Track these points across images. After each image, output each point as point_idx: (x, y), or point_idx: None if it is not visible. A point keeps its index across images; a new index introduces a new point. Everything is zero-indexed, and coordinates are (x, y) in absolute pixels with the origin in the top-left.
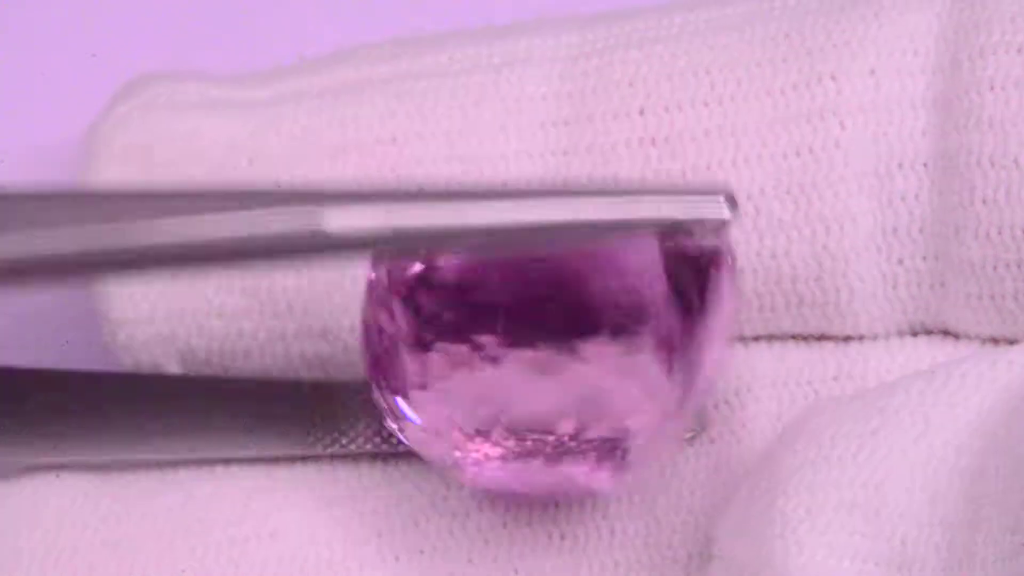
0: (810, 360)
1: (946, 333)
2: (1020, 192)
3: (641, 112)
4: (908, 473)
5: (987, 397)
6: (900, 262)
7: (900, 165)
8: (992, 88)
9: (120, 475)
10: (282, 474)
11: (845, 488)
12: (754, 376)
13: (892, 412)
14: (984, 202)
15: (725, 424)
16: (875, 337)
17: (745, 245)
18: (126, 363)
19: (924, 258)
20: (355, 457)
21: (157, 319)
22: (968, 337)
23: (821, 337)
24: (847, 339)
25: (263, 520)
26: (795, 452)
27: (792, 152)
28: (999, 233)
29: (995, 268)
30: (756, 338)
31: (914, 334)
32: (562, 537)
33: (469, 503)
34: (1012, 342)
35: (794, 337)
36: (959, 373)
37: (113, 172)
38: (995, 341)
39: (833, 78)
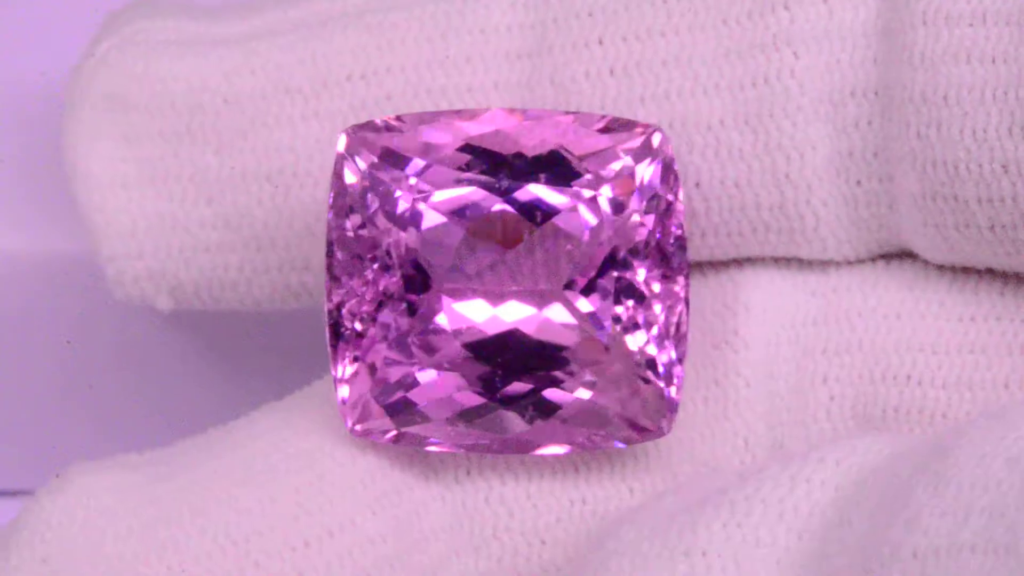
0: (796, 303)
1: (913, 257)
2: (950, 129)
3: (600, 42)
4: None
5: (792, 526)
6: (858, 183)
7: (852, 93)
8: (925, 23)
9: None
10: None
11: None
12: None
13: (698, 554)
14: (919, 137)
15: (730, 367)
16: (847, 262)
17: (708, 176)
18: (118, 297)
19: (880, 180)
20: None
21: (146, 254)
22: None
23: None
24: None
25: None
26: None
27: (748, 83)
28: (934, 168)
29: (934, 200)
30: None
31: (885, 257)
32: (584, 502)
33: (491, 477)
34: (965, 271)
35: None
36: (759, 499)
37: (91, 118)
38: (953, 270)
39: (786, 7)
